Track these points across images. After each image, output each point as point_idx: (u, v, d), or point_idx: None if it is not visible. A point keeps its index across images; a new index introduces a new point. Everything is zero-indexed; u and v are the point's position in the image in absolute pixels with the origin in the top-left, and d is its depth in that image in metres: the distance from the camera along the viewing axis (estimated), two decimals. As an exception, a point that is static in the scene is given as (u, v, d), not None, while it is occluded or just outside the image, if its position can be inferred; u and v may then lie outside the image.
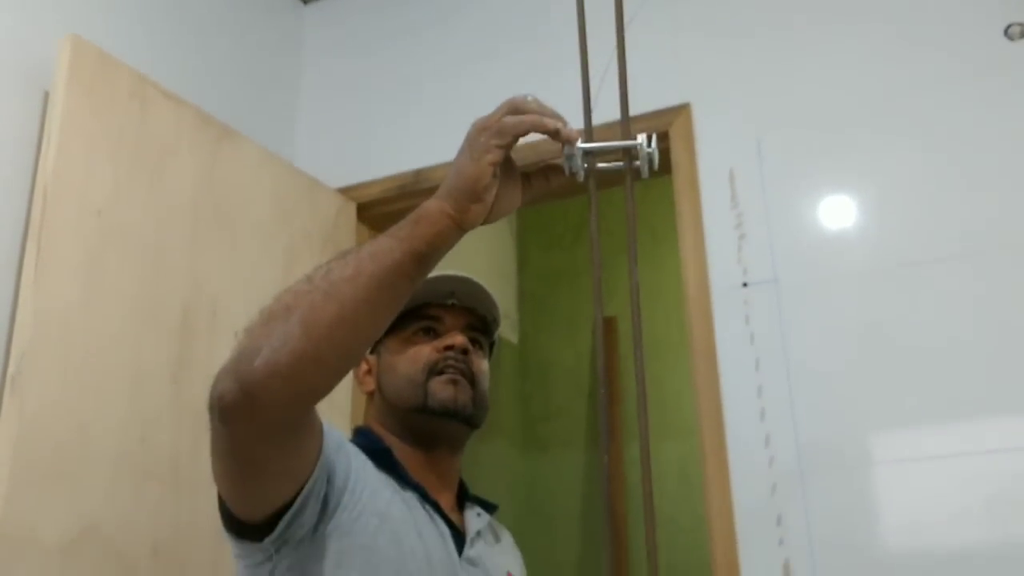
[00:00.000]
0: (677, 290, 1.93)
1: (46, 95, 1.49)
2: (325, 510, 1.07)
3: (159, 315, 1.53)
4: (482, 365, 1.29)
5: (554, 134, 0.89)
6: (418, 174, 2.03)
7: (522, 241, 3.42)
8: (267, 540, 1.04)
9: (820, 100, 1.71)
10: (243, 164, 1.78)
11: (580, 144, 0.89)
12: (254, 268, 1.75)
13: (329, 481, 1.07)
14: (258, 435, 0.95)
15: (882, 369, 1.53)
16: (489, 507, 1.34)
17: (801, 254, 1.65)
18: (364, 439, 1.26)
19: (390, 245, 0.91)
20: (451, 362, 1.24)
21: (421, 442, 1.26)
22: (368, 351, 1.29)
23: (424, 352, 1.25)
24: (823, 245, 1.64)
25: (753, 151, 1.73)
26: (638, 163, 0.91)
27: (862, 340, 1.56)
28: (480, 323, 1.30)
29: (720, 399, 1.61)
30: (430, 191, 1.96)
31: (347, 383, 1.95)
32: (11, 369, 1.31)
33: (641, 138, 0.90)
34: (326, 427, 1.07)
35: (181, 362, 1.55)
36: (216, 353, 1.61)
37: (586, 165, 0.90)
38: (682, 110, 1.81)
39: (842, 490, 1.50)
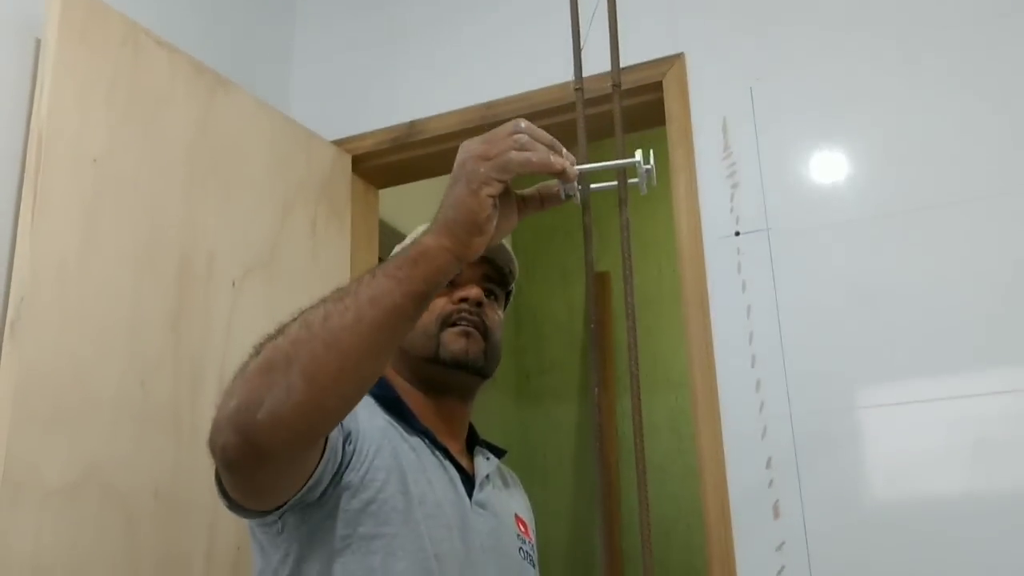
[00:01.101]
0: (668, 245, 1.95)
1: (38, 43, 1.49)
2: (333, 477, 1.09)
3: (156, 264, 1.54)
4: (496, 316, 1.31)
5: (560, 174, 0.87)
6: (412, 126, 2.03)
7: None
8: (273, 514, 1.07)
9: (814, 49, 1.71)
10: (238, 114, 1.78)
11: (577, 166, 0.88)
12: (250, 219, 1.76)
13: (336, 451, 1.08)
14: (264, 474, 0.97)
15: (872, 316, 1.55)
16: (498, 452, 1.36)
17: (793, 202, 1.66)
18: (380, 388, 1.27)
19: (389, 287, 0.89)
20: (464, 314, 1.25)
21: (432, 390, 1.28)
22: None
23: (439, 303, 1.25)
24: (816, 193, 1.65)
25: (746, 100, 1.73)
26: (635, 180, 0.89)
27: (853, 287, 1.58)
28: (496, 274, 1.31)
29: (712, 346, 1.63)
30: (424, 143, 2.01)
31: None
32: (10, 314, 1.32)
33: (638, 155, 0.88)
34: None
35: (179, 311, 1.57)
36: (214, 304, 1.63)
37: (581, 186, 0.89)
38: (676, 60, 1.81)
39: (832, 433, 1.53)
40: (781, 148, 1.69)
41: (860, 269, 1.58)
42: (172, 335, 1.55)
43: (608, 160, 0.88)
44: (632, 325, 0.88)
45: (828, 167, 1.66)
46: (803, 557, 1.49)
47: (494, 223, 0.89)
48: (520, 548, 1.29)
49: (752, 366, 1.60)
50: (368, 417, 1.18)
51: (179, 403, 1.54)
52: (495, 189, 0.87)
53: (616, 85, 0.89)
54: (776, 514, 1.52)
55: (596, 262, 0.95)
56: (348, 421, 1.11)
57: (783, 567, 1.50)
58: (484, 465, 1.28)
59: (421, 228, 1.32)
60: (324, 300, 0.91)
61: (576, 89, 0.90)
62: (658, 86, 1.82)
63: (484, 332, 1.27)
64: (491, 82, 1.99)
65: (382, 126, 2.07)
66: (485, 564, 1.20)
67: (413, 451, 1.20)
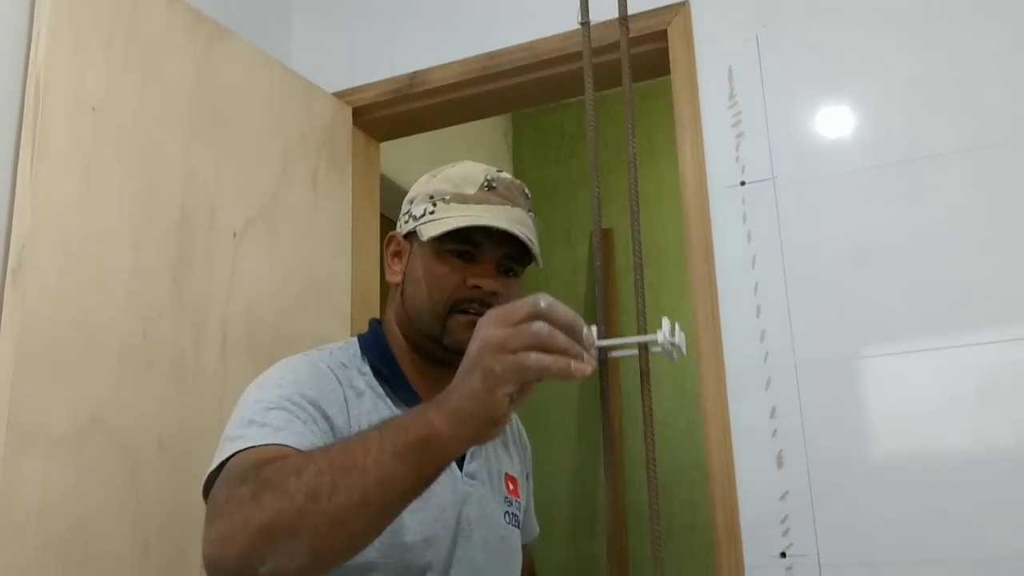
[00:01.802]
0: (671, 201, 1.94)
1: (35, -12, 1.46)
2: None
3: (157, 214, 1.53)
4: (510, 297, 1.25)
5: (580, 375, 0.82)
6: (413, 77, 2.01)
7: (518, 154, 3.41)
8: None
9: (821, -5, 1.69)
10: (237, 64, 1.76)
11: (597, 343, 0.85)
12: (251, 171, 1.75)
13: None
14: None
15: (879, 265, 1.54)
16: None
17: (799, 152, 1.64)
18: (373, 344, 1.27)
19: (398, 472, 0.87)
20: (476, 305, 1.21)
21: (430, 359, 1.27)
22: (402, 235, 1.30)
23: (452, 281, 1.22)
24: (822, 142, 1.64)
25: (752, 49, 1.71)
26: (658, 351, 0.85)
27: (859, 236, 1.57)
28: (519, 252, 1.25)
29: (716, 296, 1.63)
30: (425, 94, 1.99)
31: (346, 288, 1.96)
32: (11, 261, 1.31)
33: (665, 326, 0.84)
34: (301, 413, 1.10)
35: (181, 262, 1.56)
36: (215, 255, 1.63)
37: (599, 356, 0.86)
38: (680, 8, 1.79)
39: (835, 382, 1.53)
40: (787, 97, 1.67)
41: (867, 218, 1.57)
42: (174, 286, 1.54)
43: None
44: (639, 277, 0.87)
45: (835, 116, 1.64)
46: (807, 506, 1.49)
47: (510, 416, 0.89)
48: (506, 512, 1.29)
49: (757, 316, 1.60)
50: (355, 400, 1.18)
51: (182, 354, 1.54)
52: (511, 389, 0.83)
53: (623, 18, 0.87)
54: (780, 464, 1.53)
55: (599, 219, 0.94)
56: (339, 419, 1.14)
57: (786, 516, 1.50)
58: None
59: (423, 180, 1.32)
60: (330, 457, 0.89)
61: (582, 24, 0.88)
62: (663, 35, 1.79)
63: None
64: (493, 31, 1.96)
65: (383, 77, 2.05)
66: (471, 534, 1.21)
67: None
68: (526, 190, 1.33)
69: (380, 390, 1.22)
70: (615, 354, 0.87)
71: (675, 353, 0.84)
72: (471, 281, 1.21)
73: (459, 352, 1.19)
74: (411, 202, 1.31)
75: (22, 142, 1.37)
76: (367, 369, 1.24)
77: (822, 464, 1.50)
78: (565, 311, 0.84)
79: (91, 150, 1.43)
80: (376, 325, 1.33)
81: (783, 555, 1.49)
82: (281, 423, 1.07)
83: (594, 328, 0.86)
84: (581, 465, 3.04)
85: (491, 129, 3.30)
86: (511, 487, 1.33)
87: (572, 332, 0.83)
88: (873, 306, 1.53)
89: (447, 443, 0.86)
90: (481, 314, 1.18)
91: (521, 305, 0.84)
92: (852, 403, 1.51)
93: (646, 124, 2.84)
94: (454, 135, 2.60)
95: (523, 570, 1.37)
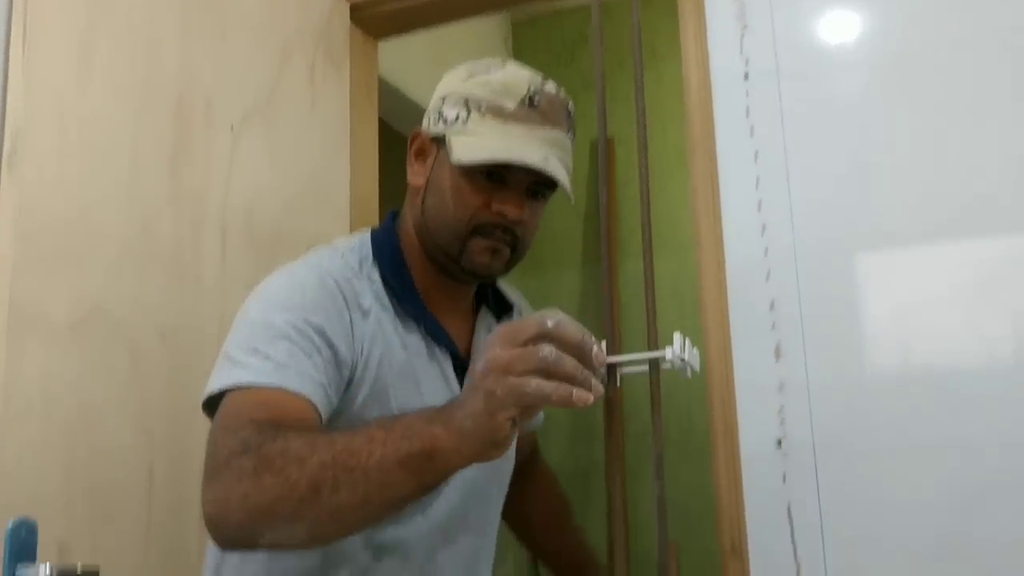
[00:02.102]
0: (673, 108, 1.91)
1: None
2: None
3: (153, 104, 1.51)
4: (535, 220, 1.24)
5: (581, 404, 0.82)
6: (412, -29, 1.96)
7: (518, 59, 3.35)
8: None
9: None
10: (231, -46, 1.72)
11: (607, 359, 0.84)
12: (247, 64, 1.72)
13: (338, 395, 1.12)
14: None
15: (880, 163, 1.53)
16: (504, 307, 1.34)
17: (804, 46, 1.61)
18: (386, 248, 1.23)
19: (400, 479, 0.88)
20: (499, 231, 1.19)
21: (444, 272, 1.24)
22: (429, 137, 1.24)
23: (478, 201, 1.18)
24: (827, 36, 1.60)
25: (758, -62, 1.67)
26: (667, 367, 0.84)
27: (865, 131, 1.55)
28: (549, 180, 1.21)
29: (717, 190, 1.61)
30: (424, -11, 1.93)
31: (345, 188, 1.95)
32: (7, 147, 1.30)
33: (676, 342, 0.82)
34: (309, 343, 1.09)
35: (177, 154, 1.54)
36: (213, 148, 1.61)
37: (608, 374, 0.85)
38: None
39: (835, 277, 1.53)
40: (793, -12, 1.64)
41: (873, 112, 1.55)
42: (171, 179, 1.53)
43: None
44: (645, 187, 0.87)
45: (842, 10, 1.61)
46: (803, 397, 1.50)
47: (515, 437, 0.88)
48: None
49: (758, 210, 1.59)
50: (360, 322, 1.15)
51: (181, 248, 1.53)
52: (512, 413, 0.83)
53: None
54: (778, 355, 1.53)
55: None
56: (343, 347, 1.12)
57: (783, 406, 1.52)
58: (483, 339, 1.25)
59: (460, 76, 1.22)
60: (334, 454, 0.90)
61: None
62: (667, -75, 1.75)
63: (515, 246, 1.21)
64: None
65: (381, -28, 2.00)
66: None
67: (405, 349, 1.18)
68: (569, 106, 1.26)
69: (386, 301, 1.20)
70: (625, 371, 0.86)
71: (688, 371, 0.83)
72: (497, 207, 1.18)
73: (474, 274, 1.21)
74: (443, 100, 1.23)
75: (12, 25, 1.34)
76: (376, 276, 1.21)
77: (820, 356, 1.51)
78: (573, 331, 0.84)
79: (85, 36, 1.40)
80: (391, 223, 1.28)
81: (779, 444, 1.51)
82: (285, 357, 1.06)
83: (603, 344, 0.85)
84: (580, 373, 3.07)
85: (490, 34, 3.24)
86: None
87: (580, 353, 0.83)
88: (877, 201, 1.52)
89: (450, 458, 0.87)
90: (503, 240, 1.19)
91: (529, 324, 0.84)
92: (851, 297, 1.51)
93: (648, 30, 2.79)
94: (453, 42, 2.56)
95: (526, 450, 1.38)
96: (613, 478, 0.84)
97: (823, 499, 1.47)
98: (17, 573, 1.23)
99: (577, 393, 0.81)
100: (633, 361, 0.85)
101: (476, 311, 1.30)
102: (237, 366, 1.07)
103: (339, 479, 0.88)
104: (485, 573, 1.30)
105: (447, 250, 1.20)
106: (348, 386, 1.13)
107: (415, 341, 1.20)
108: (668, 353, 0.82)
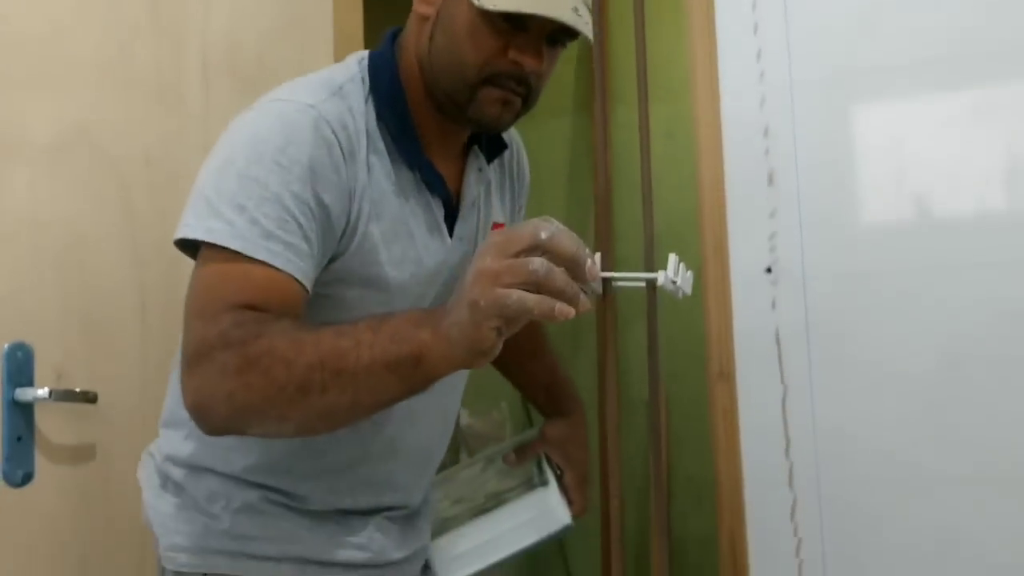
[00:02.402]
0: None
1: None
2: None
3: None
4: (551, 68, 1.14)
5: (563, 318, 0.80)
6: None
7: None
8: None
9: None
10: None
11: (600, 274, 0.83)
12: None
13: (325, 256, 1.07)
14: None
15: (880, 22, 1.48)
16: (497, 145, 1.26)
17: None
18: (385, 82, 1.13)
19: (388, 385, 0.89)
20: (513, 82, 1.09)
21: (444, 113, 1.15)
22: None
23: (494, 47, 1.07)
24: None
25: None
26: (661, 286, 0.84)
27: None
28: (572, 30, 1.10)
29: (713, 12, 1.57)
30: None
31: (328, 17, 1.88)
32: (-26, -42, 1.24)
33: (670, 265, 0.83)
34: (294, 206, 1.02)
35: (153, -23, 1.48)
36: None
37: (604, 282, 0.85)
38: None
39: (830, 105, 1.51)
40: None
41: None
42: (148, 1, 1.48)
43: None
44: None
45: None
46: (795, 222, 1.51)
47: (500, 346, 0.85)
48: None
49: (754, 34, 1.55)
50: (354, 169, 1.07)
51: (162, 72, 1.49)
52: (497, 323, 0.82)
53: None
54: (771, 180, 1.53)
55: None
56: (336, 207, 1.05)
57: (774, 233, 1.52)
58: (473, 186, 1.21)
59: None
60: (322, 353, 0.89)
61: None
62: None
63: (527, 98, 1.12)
64: None
65: None
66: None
67: (397, 197, 1.11)
68: None
69: (380, 145, 1.12)
70: (619, 284, 0.86)
71: (679, 294, 0.84)
72: (514, 55, 1.07)
73: (479, 125, 1.13)
74: None
75: None
76: (372, 112, 1.12)
77: (813, 183, 1.51)
78: (568, 243, 0.82)
79: None
80: (390, 48, 1.16)
81: (768, 270, 1.52)
82: (274, 225, 0.99)
83: (598, 257, 0.84)
84: (570, 222, 3.06)
85: None
86: None
87: (573, 266, 0.81)
88: (872, 38, 1.48)
89: (438, 364, 0.87)
90: (516, 92, 1.10)
91: (522, 235, 0.82)
92: (845, 126, 1.50)
93: None
94: None
95: None
96: (606, 402, 0.84)
97: (811, 325, 1.50)
98: (16, 395, 1.26)
99: (559, 307, 0.80)
100: (627, 278, 0.85)
101: (467, 148, 1.24)
102: (220, 218, 0.99)
103: (327, 381, 0.89)
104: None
105: (454, 96, 1.11)
106: (339, 238, 1.08)
107: (409, 187, 1.14)
108: (661, 277, 0.83)
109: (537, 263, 0.81)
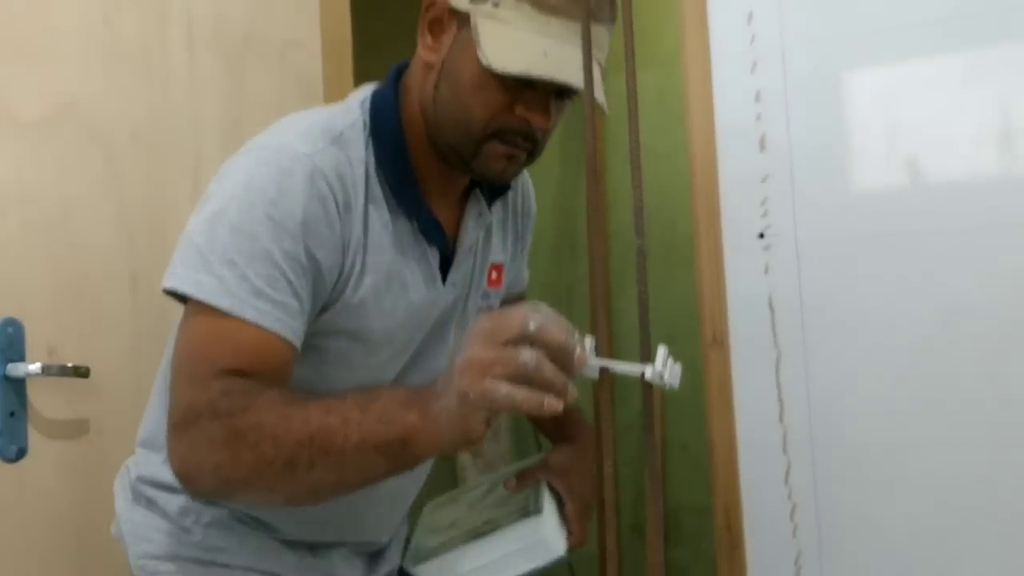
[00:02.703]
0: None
1: None
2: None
3: None
4: (556, 124, 1.10)
5: (551, 412, 0.80)
6: None
7: None
8: None
9: None
10: None
11: (592, 361, 0.82)
12: None
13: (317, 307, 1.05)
14: None
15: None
16: (499, 189, 1.21)
17: None
18: (388, 128, 1.09)
19: (374, 463, 0.89)
20: (520, 138, 1.06)
21: (447, 162, 1.11)
22: (449, 8, 1.06)
23: (501, 102, 1.03)
24: None
25: None
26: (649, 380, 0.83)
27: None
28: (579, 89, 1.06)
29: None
30: None
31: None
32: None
33: (659, 358, 0.81)
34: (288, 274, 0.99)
35: (136, -54, 1.46)
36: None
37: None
38: None
39: (821, 64, 1.50)
40: None
41: None
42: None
43: None
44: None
45: None
46: (787, 191, 1.50)
47: (486, 435, 0.86)
48: (480, 308, 1.22)
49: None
50: (349, 223, 1.04)
51: (147, 44, 1.47)
52: (485, 415, 0.83)
53: None
54: (762, 147, 1.52)
55: None
56: (328, 261, 1.02)
57: (766, 198, 1.52)
58: (472, 231, 1.17)
59: None
60: (311, 430, 0.89)
61: None
62: None
63: (532, 151, 1.09)
64: None
65: None
66: (444, 335, 1.17)
67: (393, 248, 1.08)
68: None
69: (378, 192, 1.08)
70: (615, 369, 0.84)
71: (666, 387, 0.83)
72: (521, 111, 1.04)
73: (484, 178, 1.10)
74: None
75: None
76: (372, 158, 1.08)
77: (804, 145, 1.50)
78: (557, 331, 0.81)
79: None
80: (393, 91, 1.12)
81: (761, 236, 1.51)
82: (264, 283, 0.96)
83: (589, 340, 0.83)
84: (563, 188, 3.05)
85: None
86: (494, 276, 1.24)
87: (563, 356, 0.81)
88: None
89: (425, 448, 0.88)
90: (522, 147, 1.06)
91: (512, 323, 0.81)
92: (836, 83, 1.49)
93: None
94: None
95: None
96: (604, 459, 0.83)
97: (804, 289, 1.49)
98: (8, 370, 1.25)
99: (548, 402, 0.80)
100: (622, 370, 0.84)
101: (468, 190, 1.19)
102: (210, 272, 0.97)
103: (315, 459, 0.89)
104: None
105: (458, 149, 1.07)
106: (330, 291, 1.05)
107: (406, 237, 1.10)
108: (648, 371, 0.82)
109: (527, 356, 0.80)
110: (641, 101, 0.84)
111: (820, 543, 1.46)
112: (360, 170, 1.06)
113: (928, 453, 1.42)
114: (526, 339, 0.81)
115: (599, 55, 1.06)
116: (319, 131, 1.05)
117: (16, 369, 1.25)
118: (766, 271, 1.51)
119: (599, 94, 1.03)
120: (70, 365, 1.30)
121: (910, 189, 1.44)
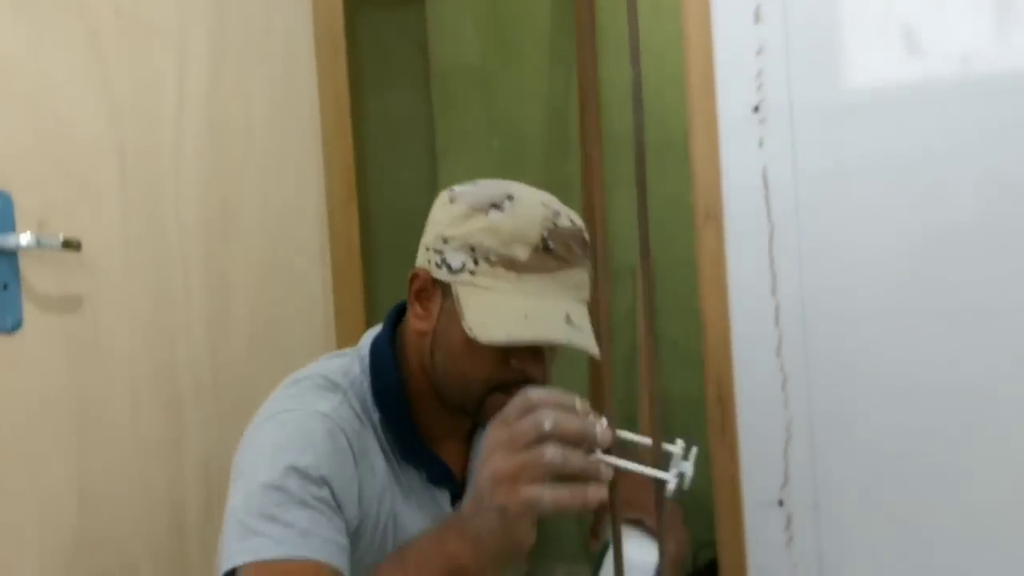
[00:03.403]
0: None
1: None
2: None
3: None
4: (552, 363, 1.15)
5: (598, 502, 0.80)
6: None
7: None
8: None
9: None
10: None
11: (608, 459, 0.81)
12: None
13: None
14: None
15: None
16: None
17: None
18: (389, 386, 1.15)
19: None
20: (520, 385, 1.03)
21: (449, 410, 1.17)
22: (431, 279, 1.13)
23: (493, 361, 1.09)
24: None
25: None
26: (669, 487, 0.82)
27: None
28: None
29: None
30: None
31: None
32: None
33: (671, 475, 0.80)
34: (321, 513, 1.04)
35: None
36: None
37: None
38: None
39: None
40: None
41: None
42: None
43: None
44: None
45: None
46: (782, 64, 1.48)
47: (535, 533, 0.85)
48: None
49: None
50: (366, 477, 1.11)
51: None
52: (531, 520, 0.83)
53: None
54: (757, 18, 1.49)
55: None
56: (349, 511, 1.08)
57: (760, 71, 1.50)
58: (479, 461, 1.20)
59: (460, 213, 1.09)
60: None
61: None
62: None
63: None
64: None
65: None
66: None
67: (406, 500, 1.15)
68: (584, 235, 1.13)
69: (386, 446, 1.16)
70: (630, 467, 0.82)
71: (683, 486, 0.82)
72: (516, 364, 1.10)
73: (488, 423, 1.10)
74: (444, 241, 1.11)
75: None
76: (377, 414, 1.15)
77: (799, 16, 1.47)
78: (572, 424, 0.81)
79: None
80: (389, 346, 1.17)
81: (756, 109, 1.50)
82: (307, 524, 1.01)
83: (604, 421, 0.82)
84: (553, 88, 3.00)
85: None
86: None
87: (584, 443, 0.80)
88: None
89: (472, 572, 0.88)
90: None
91: (526, 429, 0.81)
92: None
93: None
94: None
95: None
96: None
97: (798, 163, 1.49)
98: (-1, 240, 1.24)
99: (591, 492, 0.80)
100: (638, 470, 0.83)
101: (472, 428, 1.25)
102: (256, 535, 1.01)
103: None
104: None
105: (463, 406, 1.14)
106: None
107: (414, 484, 1.18)
108: (670, 474, 0.81)
109: (551, 453, 0.80)
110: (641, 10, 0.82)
111: (810, 414, 1.48)
112: (368, 423, 1.14)
113: (919, 324, 1.43)
114: (544, 440, 0.81)
115: (583, 295, 1.11)
116: (328, 389, 1.13)
117: (7, 240, 1.23)
118: (761, 144, 1.50)
119: (588, 342, 1.07)
120: (62, 236, 1.29)
121: (907, 58, 1.42)
